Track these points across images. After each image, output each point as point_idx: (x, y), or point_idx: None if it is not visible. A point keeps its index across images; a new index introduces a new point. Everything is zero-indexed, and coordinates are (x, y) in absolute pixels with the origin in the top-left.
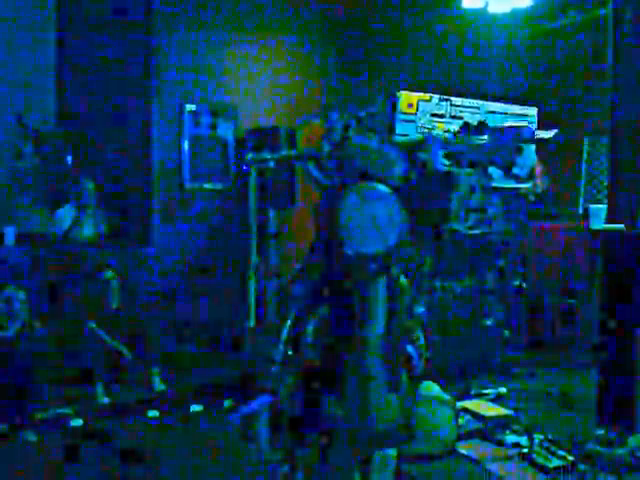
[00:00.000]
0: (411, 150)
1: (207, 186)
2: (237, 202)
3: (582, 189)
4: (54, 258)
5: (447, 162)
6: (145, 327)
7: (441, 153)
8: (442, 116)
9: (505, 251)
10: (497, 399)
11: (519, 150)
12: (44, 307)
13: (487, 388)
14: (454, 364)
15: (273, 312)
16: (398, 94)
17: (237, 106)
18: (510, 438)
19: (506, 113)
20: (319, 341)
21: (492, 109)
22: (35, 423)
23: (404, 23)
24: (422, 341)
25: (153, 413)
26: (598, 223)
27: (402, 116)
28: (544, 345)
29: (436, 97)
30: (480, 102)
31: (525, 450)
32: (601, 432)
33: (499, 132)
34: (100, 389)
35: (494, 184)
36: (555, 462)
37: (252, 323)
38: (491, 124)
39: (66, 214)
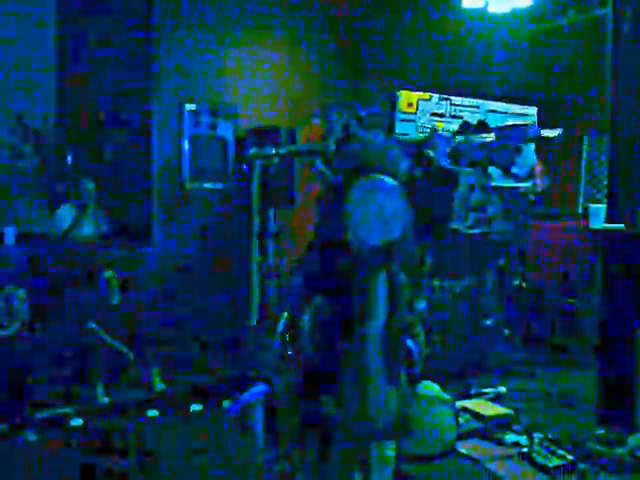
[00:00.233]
0: (417, 147)
1: (207, 185)
2: (237, 201)
3: (582, 188)
4: (54, 258)
5: (451, 160)
6: (145, 327)
7: (446, 151)
8: (442, 115)
9: (505, 250)
10: (497, 398)
11: (519, 150)
12: (44, 306)
13: (487, 387)
14: (454, 363)
15: (273, 310)
16: (398, 93)
17: (237, 106)
18: (510, 437)
19: (506, 112)
20: (315, 331)
21: (492, 108)
22: (35, 423)
23: (404, 23)
24: (422, 337)
25: (153, 413)
26: (598, 223)
27: (402, 115)
28: (544, 345)
29: (436, 96)
30: (480, 101)
31: (525, 449)
32: (601, 431)
33: (505, 131)
34: (100, 389)
35: (494, 183)
36: (555, 461)
37: (254, 322)
38: (491, 123)
39: (66, 214)
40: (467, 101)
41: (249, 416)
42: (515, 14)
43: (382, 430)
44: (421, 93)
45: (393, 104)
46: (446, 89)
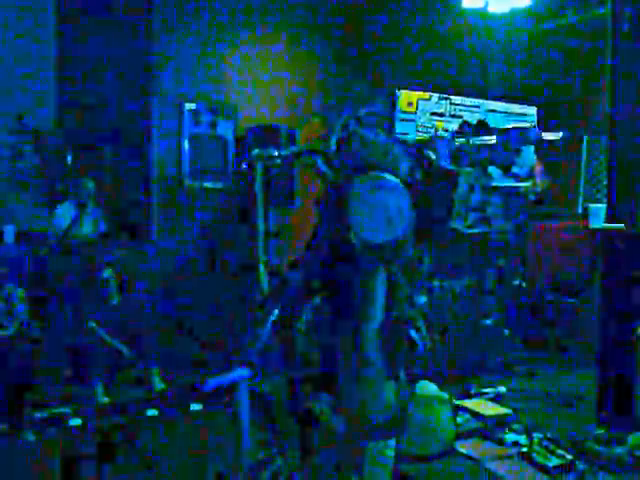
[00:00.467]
0: (418, 148)
1: (207, 184)
2: (237, 200)
3: (582, 188)
4: (53, 256)
5: (451, 161)
6: (144, 325)
7: (447, 153)
8: (442, 115)
9: (505, 250)
10: (496, 398)
11: (519, 150)
12: (43, 306)
13: (486, 387)
14: (454, 363)
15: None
16: (398, 92)
17: (237, 105)
18: (509, 437)
19: (506, 112)
20: (313, 330)
21: (492, 108)
22: (34, 422)
23: (404, 22)
24: (424, 331)
25: (152, 412)
26: (598, 222)
27: (402, 115)
28: (544, 344)
29: (436, 96)
30: (480, 101)
31: (524, 449)
32: (600, 431)
33: (506, 133)
34: (99, 388)
35: (494, 183)
36: (554, 461)
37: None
38: (491, 123)
39: (65, 212)
40: (467, 101)
41: (234, 401)
42: (514, 14)
43: (379, 429)
44: (421, 92)
45: (393, 103)
46: (446, 89)
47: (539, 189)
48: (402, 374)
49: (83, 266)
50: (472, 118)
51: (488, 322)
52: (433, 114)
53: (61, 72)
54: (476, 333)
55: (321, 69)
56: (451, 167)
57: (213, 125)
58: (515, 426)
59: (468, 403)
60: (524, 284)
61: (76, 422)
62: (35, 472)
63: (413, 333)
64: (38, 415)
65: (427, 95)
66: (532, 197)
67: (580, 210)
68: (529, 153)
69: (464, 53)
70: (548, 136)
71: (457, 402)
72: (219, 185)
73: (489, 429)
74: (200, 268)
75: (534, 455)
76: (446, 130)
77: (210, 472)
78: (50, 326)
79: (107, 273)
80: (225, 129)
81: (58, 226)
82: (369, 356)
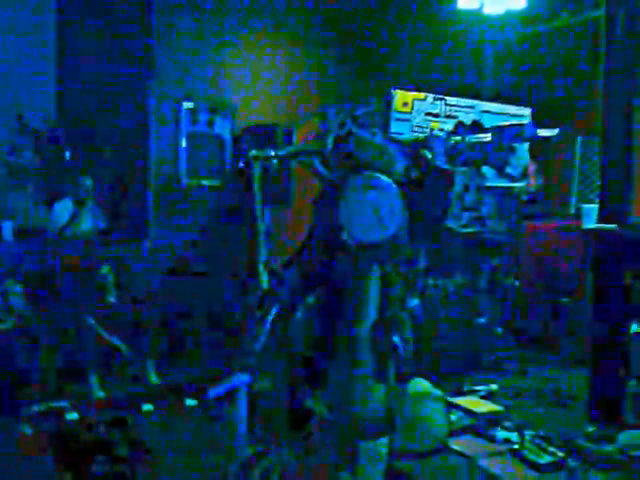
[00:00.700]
0: (414, 147)
1: (204, 182)
2: (233, 199)
3: (575, 189)
4: (51, 253)
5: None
6: (141, 321)
7: (442, 152)
8: (437, 115)
9: (498, 250)
10: (489, 396)
11: (513, 149)
12: (41, 301)
13: (479, 385)
14: (446, 361)
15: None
16: (393, 93)
17: (234, 104)
18: (501, 434)
19: (500, 113)
20: (307, 329)
21: (486, 109)
22: (31, 416)
23: (401, 23)
24: (410, 333)
25: (148, 407)
26: (590, 222)
27: (397, 115)
28: (536, 343)
29: (431, 96)
30: (474, 102)
31: (516, 446)
32: (591, 429)
33: (502, 130)
34: (95, 383)
35: (488, 183)
36: (545, 458)
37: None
38: (485, 123)
39: (63, 210)
40: (462, 101)
41: (232, 404)
42: (509, 16)
43: (370, 428)
44: (416, 93)
45: (388, 104)
46: (441, 89)
47: (533, 189)
48: (392, 374)
49: (81, 262)
50: (467, 119)
51: (481, 320)
52: (428, 114)
53: (61, 72)
54: (469, 331)
55: (318, 69)
56: (447, 166)
57: (211, 124)
58: (507, 424)
59: (461, 400)
60: (517, 283)
61: (72, 416)
62: (30, 465)
63: (395, 338)
64: (35, 409)
65: (422, 95)
66: (525, 197)
67: (573, 210)
68: (523, 153)
69: (459, 54)
70: (544, 133)
71: (450, 399)
72: (216, 183)
73: (481, 426)
74: (196, 267)
75: (525, 452)
76: (441, 130)
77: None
78: (47, 321)
79: (105, 269)
80: (222, 128)
81: (56, 223)
82: (361, 355)
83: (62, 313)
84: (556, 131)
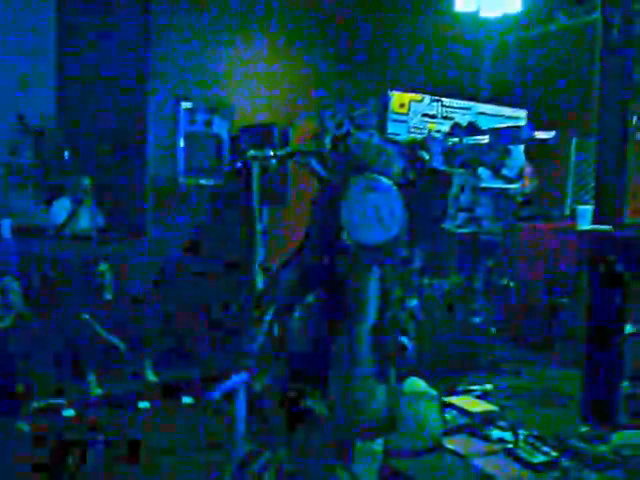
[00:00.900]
0: (411, 148)
1: (201, 182)
2: (230, 198)
3: (569, 190)
4: (49, 250)
5: (444, 161)
6: (138, 319)
7: (440, 153)
8: (433, 116)
9: (493, 250)
10: (483, 395)
11: (509, 151)
12: (39, 299)
13: (473, 384)
14: (441, 360)
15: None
16: (390, 94)
17: (232, 104)
18: (495, 434)
19: (496, 115)
20: (305, 329)
21: (482, 110)
22: (28, 413)
23: (398, 25)
24: (413, 334)
25: (144, 404)
26: (585, 224)
27: (394, 116)
28: (531, 343)
29: (428, 98)
30: (471, 103)
31: (510, 445)
32: (585, 429)
33: (499, 132)
34: (93, 380)
35: (484, 184)
36: (539, 458)
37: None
38: (481, 125)
39: (62, 208)
40: (458, 103)
41: (231, 403)
42: (506, 19)
43: (369, 429)
44: (413, 94)
45: (385, 105)
46: (438, 91)
47: (528, 190)
48: (393, 375)
49: (79, 260)
50: (463, 120)
51: (476, 320)
52: (425, 115)
53: (61, 72)
54: (464, 331)
55: (316, 69)
56: (444, 167)
57: (208, 124)
58: (501, 423)
59: (455, 400)
60: (512, 283)
61: (69, 413)
62: (28, 462)
63: (403, 338)
64: (31, 405)
65: (419, 97)
66: (521, 198)
67: (568, 211)
68: (519, 154)
69: (456, 56)
70: (540, 135)
71: (445, 399)
72: (213, 183)
73: (476, 426)
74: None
75: (520, 452)
76: (438, 131)
77: None
78: (45, 319)
79: (102, 267)
80: (220, 128)
81: (54, 221)
82: (361, 356)
83: (60, 310)
84: (553, 133)
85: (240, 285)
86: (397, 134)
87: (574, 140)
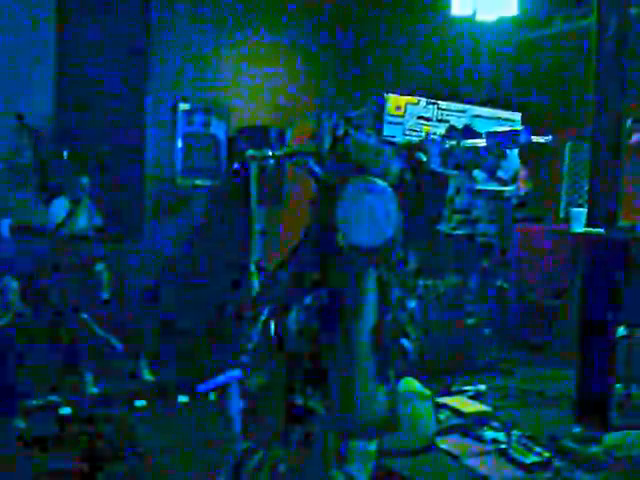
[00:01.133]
0: (409, 151)
1: (199, 182)
2: (228, 199)
3: (564, 193)
4: (47, 250)
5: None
6: (135, 319)
7: (437, 155)
8: (429, 119)
9: (488, 252)
10: (477, 396)
11: (504, 154)
12: (36, 298)
13: (467, 385)
14: (435, 361)
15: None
16: (386, 97)
17: (230, 105)
18: (489, 434)
19: (491, 117)
20: (303, 330)
21: (477, 113)
22: (25, 411)
23: (394, 28)
24: (414, 336)
25: (141, 403)
26: (579, 226)
27: (390, 118)
28: (525, 344)
29: (424, 100)
30: (466, 106)
31: (503, 446)
32: (577, 430)
33: (496, 135)
34: (89, 379)
35: (479, 187)
36: (532, 458)
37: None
38: (477, 128)
39: (60, 207)
40: (453, 106)
41: (225, 400)
42: (502, 23)
43: (369, 429)
44: (409, 97)
45: (381, 107)
46: (433, 94)
47: (522, 193)
48: (392, 376)
49: (76, 259)
50: (458, 123)
51: (470, 321)
52: (420, 118)
53: (60, 72)
54: (459, 332)
55: (313, 71)
56: (441, 170)
57: (206, 125)
58: (494, 423)
59: (449, 400)
60: (506, 285)
61: (66, 411)
62: (23, 459)
63: (406, 342)
64: (28, 403)
65: (415, 100)
66: (515, 201)
67: (562, 214)
68: (514, 158)
69: (452, 59)
70: (538, 139)
71: (438, 399)
72: (211, 183)
73: (469, 426)
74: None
75: (512, 452)
76: (434, 134)
77: None
78: (42, 317)
79: (100, 267)
80: (218, 129)
81: (53, 220)
82: (361, 357)
83: (57, 309)
84: (550, 137)
85: (237, 285)
86: (393, 136)
87: (569, 143)
